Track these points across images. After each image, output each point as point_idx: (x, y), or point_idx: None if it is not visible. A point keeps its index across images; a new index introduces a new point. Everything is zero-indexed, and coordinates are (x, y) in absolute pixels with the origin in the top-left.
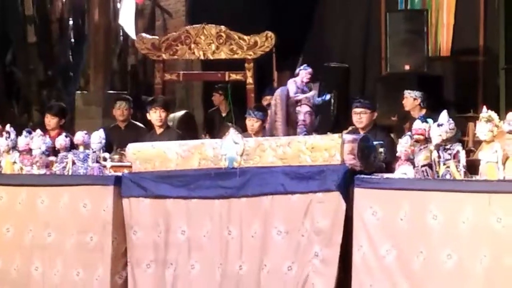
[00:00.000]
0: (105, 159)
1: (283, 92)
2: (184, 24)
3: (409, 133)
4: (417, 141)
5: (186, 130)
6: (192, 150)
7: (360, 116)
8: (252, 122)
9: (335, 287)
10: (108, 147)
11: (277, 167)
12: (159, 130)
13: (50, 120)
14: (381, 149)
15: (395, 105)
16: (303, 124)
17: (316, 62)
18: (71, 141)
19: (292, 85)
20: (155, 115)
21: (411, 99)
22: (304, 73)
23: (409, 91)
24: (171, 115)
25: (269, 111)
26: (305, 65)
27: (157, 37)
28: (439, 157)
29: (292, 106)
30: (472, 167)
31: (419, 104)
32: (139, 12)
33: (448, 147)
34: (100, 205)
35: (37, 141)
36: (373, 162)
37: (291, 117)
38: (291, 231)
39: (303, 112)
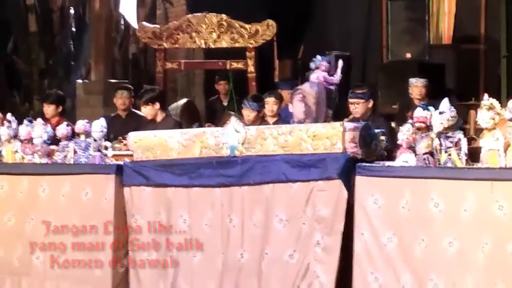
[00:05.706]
0: (106, 148)
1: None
2: (185, 13)
3: (410, 121)
4: (418, 129)
5: (189, 118)
6: (193, 139)
7: (355, 106)
8: (247, 112)
9: (336, 275)
10: (109, 136)
11: (278, 156)
12: (158, 119)
13: (47, 109)
14: (383, 137)
15: (397, 93)
16: None
17: (317, 50)
18: (72, 130)
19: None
20: (144, 110)
21: (422, 87)
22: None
23: (418, 79)
24: (174, 104)
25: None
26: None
27: (158, 26)
28: (440, 145)
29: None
30: (474, 155)
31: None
32: (140, 1)
33: (449, 135)
34: (101, 194)
35: (38, 130)
36: (374, 150)
37: None
38: (293, 219)
39: None
